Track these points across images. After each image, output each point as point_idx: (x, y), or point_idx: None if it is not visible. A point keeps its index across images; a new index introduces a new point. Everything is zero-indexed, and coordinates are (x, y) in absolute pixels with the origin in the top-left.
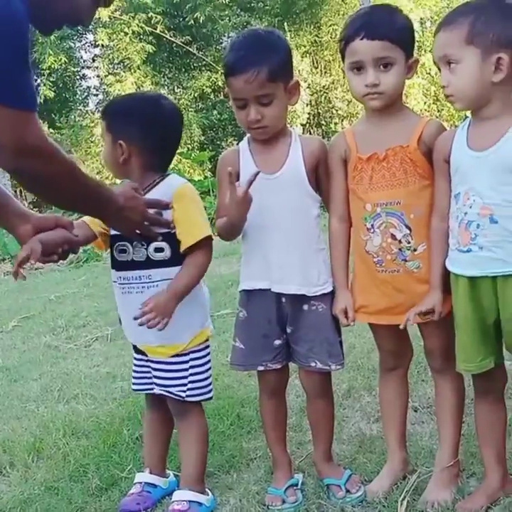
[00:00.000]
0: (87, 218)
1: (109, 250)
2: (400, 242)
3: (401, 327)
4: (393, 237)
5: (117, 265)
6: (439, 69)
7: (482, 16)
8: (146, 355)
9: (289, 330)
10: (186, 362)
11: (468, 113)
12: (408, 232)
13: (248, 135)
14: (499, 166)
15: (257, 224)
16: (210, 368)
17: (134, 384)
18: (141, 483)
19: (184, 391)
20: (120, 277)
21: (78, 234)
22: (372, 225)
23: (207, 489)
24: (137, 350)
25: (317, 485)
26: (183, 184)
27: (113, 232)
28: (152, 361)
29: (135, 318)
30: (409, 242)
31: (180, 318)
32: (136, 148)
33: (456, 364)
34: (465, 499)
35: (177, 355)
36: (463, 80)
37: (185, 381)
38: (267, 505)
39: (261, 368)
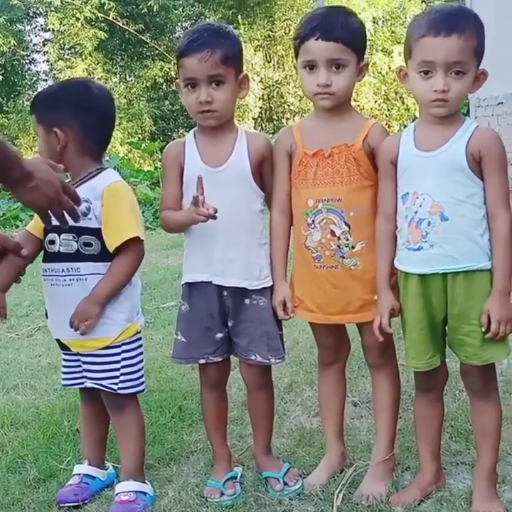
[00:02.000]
0: (29, 226)
1: None
2: (338, 238)
3: (381, 339)
4: (333, 233)
5: (46, 257)
6: (426, 71)
7: (481, 29)
8: (70, 351)
9: (230, 323)
10: (118, 354)
11: (418, 113)
12: (347, 229)
13: (194, 128)
14: (448, 165)
15: None
16: (142, 361)
17: (64, 379)
18: (79, 474)
19: (116, 384)
20: (48, 269)
21: (28, 250)
22: (313, 221)
23: (146, 481)
24: (62, 346)
25: (256, 478)
26: (116, 181)
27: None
28: (82, 355)
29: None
30: (347, 240)
31: (106, 312)
32: (72, 133)
33: (406, 361)
34: (399, 492)
35: (108, 348)
36: (465, 89)
37: (117, 373)
38: (205, 497)
39: (202, 361)
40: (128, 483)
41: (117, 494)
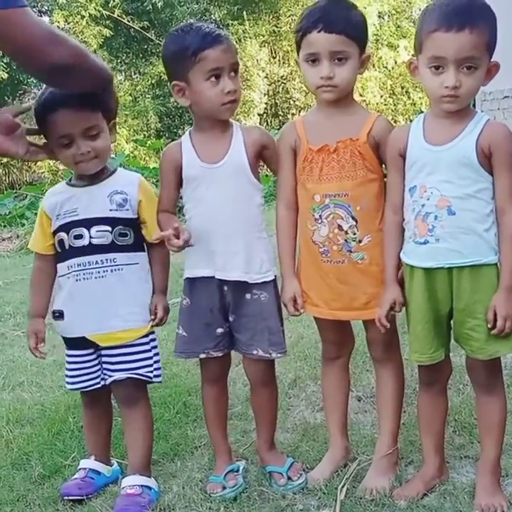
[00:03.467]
0: (37, 248)
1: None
2: (346, 233)
3: (382, 331)
4: (340, 227)
5: (71, 253)
6: (437, 67)
7: (493, 22)
8: (92, 348)
9: (231, 318)
10: (148, 343)
11: (423, 108)
12: (354, 223)
13: (190, 128)
14: (457, 160)
15: (200, 213)
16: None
17: (72, 383)
18: (85, 469)
19: (151, 371)
20: (74, 264)
21: (53, 270)
22: (320, 216)
23: (151, 476)
24: (78, 346)
25: (260, 472)
26: (141, 177)
27: (64, 220)
28: (107, 348)
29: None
30: (354, 234)
31: (142, 300)
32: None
33: (409, 355)
34: (402, 486)
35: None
36: (476, 85)
37: (150, 361)
38: (208, 493)
39: (203, 356)
40: (134, 478)
41: (123, 488)
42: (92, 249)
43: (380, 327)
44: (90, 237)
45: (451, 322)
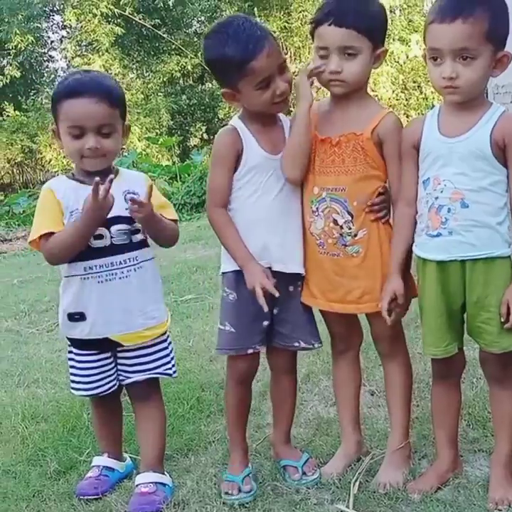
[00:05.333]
0: (55, 229)
1: None
2: (341, 227)
3: (389, 323)
4: (335, 222)
5: (89, 254)
6: (435, 58)
7: (498, 11)
8: (109, 351)
9: (275, 311)
10: (165, 340)
11: (436, 102)
12: (350, 218)
13: (238, 115)
14: (471, 153)
15: (258, 202)
16: None
17: (86, 390)
18: (98, 466)
19: (170, 368)
20: (96, 266)
21: None
22: (317, 208)
23: (165, 472)
24: (97, 348)
25: (273, 468)
26: (145, 174)
27: None
28: (127, 351)
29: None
30: (350, 228)
31: (158, 295)
32: None
33: (423, 348)
34: (416, 480)
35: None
36: (476, 75)
37: (169, 358)
38: (225, 492)
39: (250, 351)
40: (148, 475)
41: (137, 486)
42: (114, 249)
43: (387, 319)
44: (111, 236)
45: (465, 315)
